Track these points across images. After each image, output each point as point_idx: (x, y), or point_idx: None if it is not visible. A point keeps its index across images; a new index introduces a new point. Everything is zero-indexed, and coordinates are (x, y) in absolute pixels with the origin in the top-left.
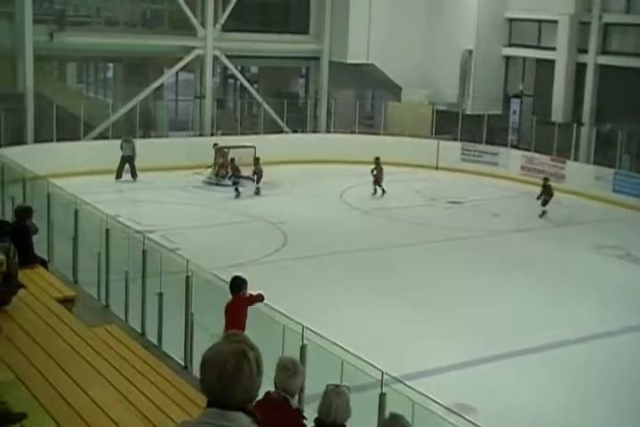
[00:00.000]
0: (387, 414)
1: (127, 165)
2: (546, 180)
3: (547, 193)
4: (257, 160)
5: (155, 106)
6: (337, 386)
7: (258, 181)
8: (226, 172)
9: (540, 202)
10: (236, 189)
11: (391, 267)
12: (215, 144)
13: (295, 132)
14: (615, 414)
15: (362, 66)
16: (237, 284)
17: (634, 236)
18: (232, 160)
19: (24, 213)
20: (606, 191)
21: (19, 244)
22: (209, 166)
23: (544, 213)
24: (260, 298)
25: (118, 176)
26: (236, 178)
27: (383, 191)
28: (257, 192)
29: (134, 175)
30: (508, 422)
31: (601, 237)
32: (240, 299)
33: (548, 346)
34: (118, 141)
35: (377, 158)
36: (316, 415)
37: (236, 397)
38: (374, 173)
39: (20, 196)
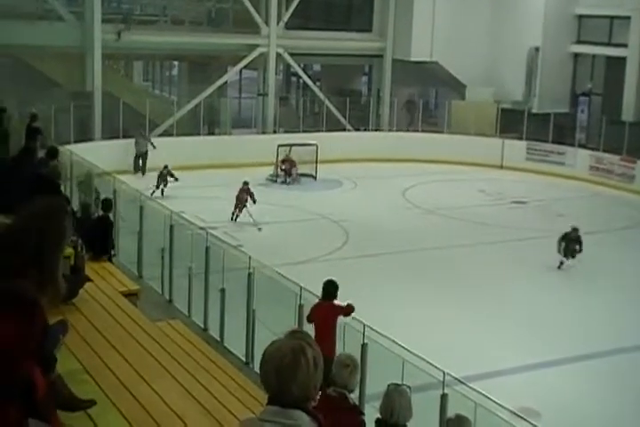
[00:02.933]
0: (451, 415)
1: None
2: (575, 230)
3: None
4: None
5: (219, 103)
6: (398, 386)
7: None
8: (288, 169)
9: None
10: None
11: (454, 267)
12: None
13: (357, 130)
14: None
15: (425, 64)
16: (331, 290)
17: None
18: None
19: (106, 205)
20: None
21: (98, 235)
22: None
23: (561, 263)
24: (352, 310)
25: (139, 171)
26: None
27: (236, 218)
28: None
29: (144, 172)
30: None
31: None
32: (332, 306)
33: (617, 351)
34: (184, 138)
35: (245, 183)
36: (377, 416)
37: (291, 393)
38: (239, 196)
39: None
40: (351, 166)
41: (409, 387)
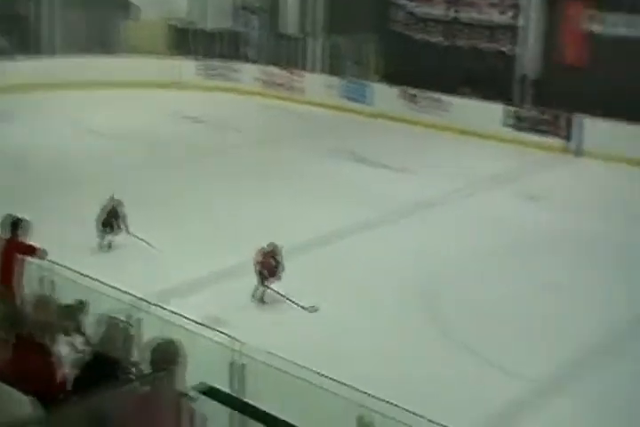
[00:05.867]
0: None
1: None
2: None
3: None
4: None
5: None
6: (112, 318)
7: None
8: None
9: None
10: None
11: (146, 188)
12: None
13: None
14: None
15: None
16: (12, 228)
17: (361, 137)
18: None
19: None
20: (338, 99)
21: None
22: None
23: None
24: (32, 252)
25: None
26: None
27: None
28: None
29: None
30: (264, 333)
31: (334, 142)
32: (13, 243)
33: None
34: None
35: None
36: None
37: None
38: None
39: None
40: (13, 97)
41: (127, 322)
